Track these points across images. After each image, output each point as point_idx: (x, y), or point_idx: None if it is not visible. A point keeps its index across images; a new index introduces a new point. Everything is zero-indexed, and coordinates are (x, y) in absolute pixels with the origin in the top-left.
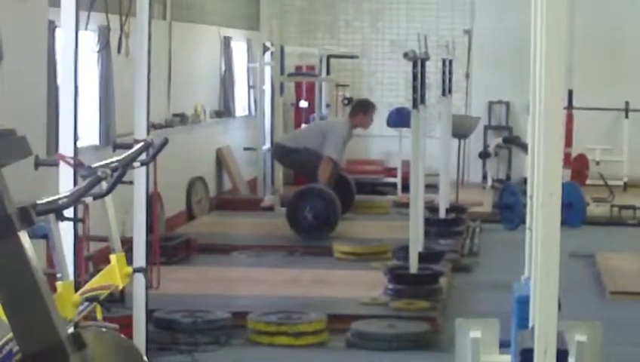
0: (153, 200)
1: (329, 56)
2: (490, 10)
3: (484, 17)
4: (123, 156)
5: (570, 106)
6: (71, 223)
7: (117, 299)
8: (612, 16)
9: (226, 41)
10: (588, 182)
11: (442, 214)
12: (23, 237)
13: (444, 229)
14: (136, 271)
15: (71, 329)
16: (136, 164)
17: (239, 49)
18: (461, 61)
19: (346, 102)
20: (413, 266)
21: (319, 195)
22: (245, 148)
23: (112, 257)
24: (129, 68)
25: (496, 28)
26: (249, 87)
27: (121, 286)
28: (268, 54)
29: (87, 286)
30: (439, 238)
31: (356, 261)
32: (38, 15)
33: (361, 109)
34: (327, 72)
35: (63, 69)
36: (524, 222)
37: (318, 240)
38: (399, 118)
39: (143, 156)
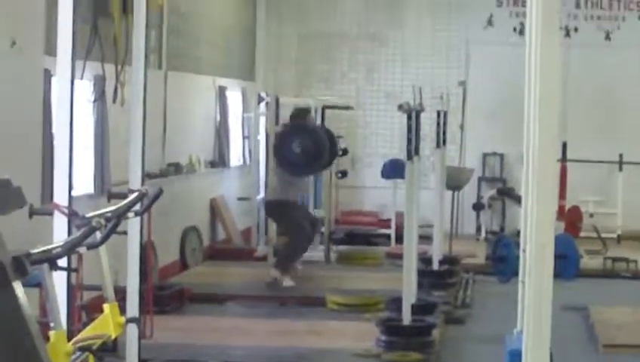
0: (147, 250)
1: (324, 107)
2: (485, 63)
3: (479, 69)
4: (117, 206)
5: (564, 158)
6: (65, 272)
7: (110, 349)
8: (605, 69)
9: (221, 91)
10: (581, 234)
11: (435, 266)
12: (17, 287)
13: (437, 281)
14: (129, 321)
15: None
16: (131, 214)
17: (234, 99)
18: (455, 113)
19: (340, 153)
20: (406, 318)
21: (308, 131)
22: (239, 198)
23: (106, 307)
24: (124, 117)
25: (490, 80)
26: (244, 137)
27: (113, 336)
28: (263, 104)
29: (80, 336)
30: (432, 290)
31: (349, 312)
32: (34, 64)
33: (298, 120)
34: (322, 123)
35: (59, 118)
36: (517, 274)
37: (306, 175)
38: (393, 169)
39: (138, 206)
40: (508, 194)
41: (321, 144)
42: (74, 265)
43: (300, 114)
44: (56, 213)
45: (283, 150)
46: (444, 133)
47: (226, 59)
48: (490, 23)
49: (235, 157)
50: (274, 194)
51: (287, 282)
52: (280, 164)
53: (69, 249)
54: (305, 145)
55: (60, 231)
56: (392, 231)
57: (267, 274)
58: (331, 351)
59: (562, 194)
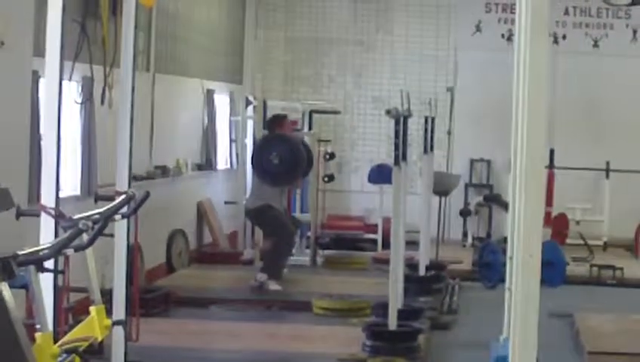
0: (133, 252)
1: (311, 111)
2: (473, 69)
3: (467, 75)
4: (105, 208)
5: (551, 165)
6: (51, 274)
7: (96, 351)
8: (593, 76)
9: (209, 94)
10: (568, 241)
11: (422, 271)
12: (4, 288)
13: (423, 286)
14: (115, 323)
15: None
16: (118, 216)
17: (222, 102)
18: (443, 118)
19: (327, 157)
20: (392, 323)
21: (285, 142)
22: (226, 202)
23: (92, 309)
24: (112, 119)
25: (478, 86)
26: (231, 141)
27: (100, 339)
28: (250, 108)
29: (66, 338)
30: (418, 295)
31: (335, 317)
32: (22, 65)
33: (275, 126)
34: (310, 127)
35: (46, 120)
36: (503, 280)
37: (285, 184)
38: (380, 175)
39: (125, 208)
40: (495, 200)
41: (299, 154)
42: (60, 267)
43: (277, 120)
44: (44, 215)
45: (261, 161)
46: (431, 138)
47: (214, 62)
48: (478, 29)
49: (222, 160)
50: (253, 201)
51: (274, 286)
52: (258, 174)
53: (56, 251)
54: (283, 156)
55: (47, 233)
56: (378, 236)
57: (253, 277)
58: (317, 356)
59: (549, 201)
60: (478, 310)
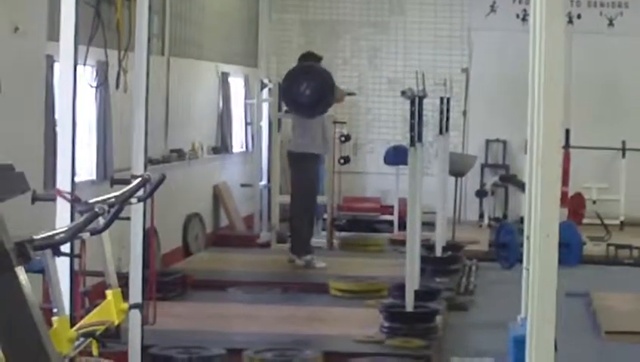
0: (150, 236)
1: None
2: (488, 49)
3: (482, 56)
4: (120, 192)
5: (567, 145)
6: (67, 258)
7: (113, 335)
8: (608, 56)
9: (224, 77)
10: (584, 220)
11: (438, 252)
12: (20, 272)
13: (440, 267)
14: (132, 307)
15: None
16: (134, 200)
17: (237, 85)
18: (458, 99)
19: (343, 139)
20: (409, 304)
21: (315, 73)
22: (242, 185)
23: (108, 293)
24: (127, 103)
25: (493, 66)
26: (246, 124)
27: (116, 322)
28: (265, 91)
29: (83, 322)
30: (435, 276)
31: (352, 298)
32: (37, 49)
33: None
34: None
35: (61, 104)
36: (520, 261)
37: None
38: (396, 156)
39: (141, 192)
40: (511, 180)
41: (328, 84)
42: (77, 251)
43: (311, 56)
44: (59, 199)
45: (292, 92)
46: (447, 119)
47: (229, 45)
48: (493, 9)
49: (238, 143)
50: (297, 145)
51: (320, 263)
52: (289, 105)
53: (72, 235)
54: (313, 87)
55: (62, 217)
56: (394, 218)
57: (291, 259)
58: (334, 337)
59: (565, 181)
60: (495, 290)
